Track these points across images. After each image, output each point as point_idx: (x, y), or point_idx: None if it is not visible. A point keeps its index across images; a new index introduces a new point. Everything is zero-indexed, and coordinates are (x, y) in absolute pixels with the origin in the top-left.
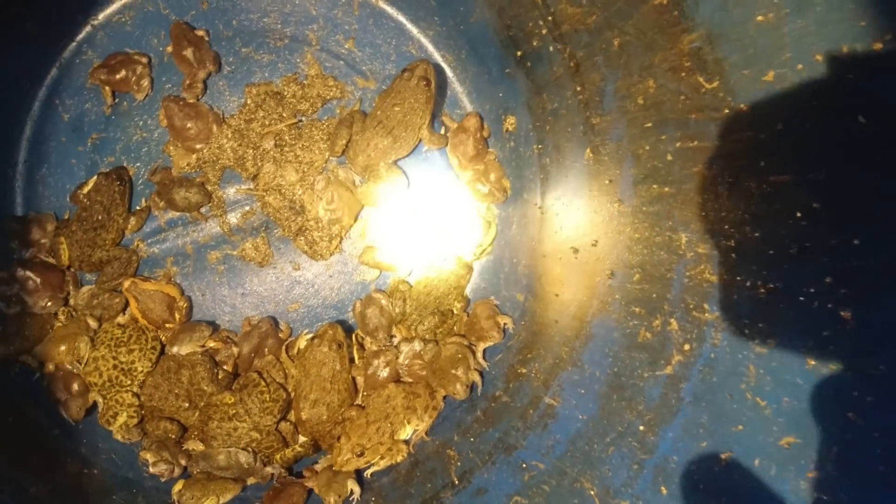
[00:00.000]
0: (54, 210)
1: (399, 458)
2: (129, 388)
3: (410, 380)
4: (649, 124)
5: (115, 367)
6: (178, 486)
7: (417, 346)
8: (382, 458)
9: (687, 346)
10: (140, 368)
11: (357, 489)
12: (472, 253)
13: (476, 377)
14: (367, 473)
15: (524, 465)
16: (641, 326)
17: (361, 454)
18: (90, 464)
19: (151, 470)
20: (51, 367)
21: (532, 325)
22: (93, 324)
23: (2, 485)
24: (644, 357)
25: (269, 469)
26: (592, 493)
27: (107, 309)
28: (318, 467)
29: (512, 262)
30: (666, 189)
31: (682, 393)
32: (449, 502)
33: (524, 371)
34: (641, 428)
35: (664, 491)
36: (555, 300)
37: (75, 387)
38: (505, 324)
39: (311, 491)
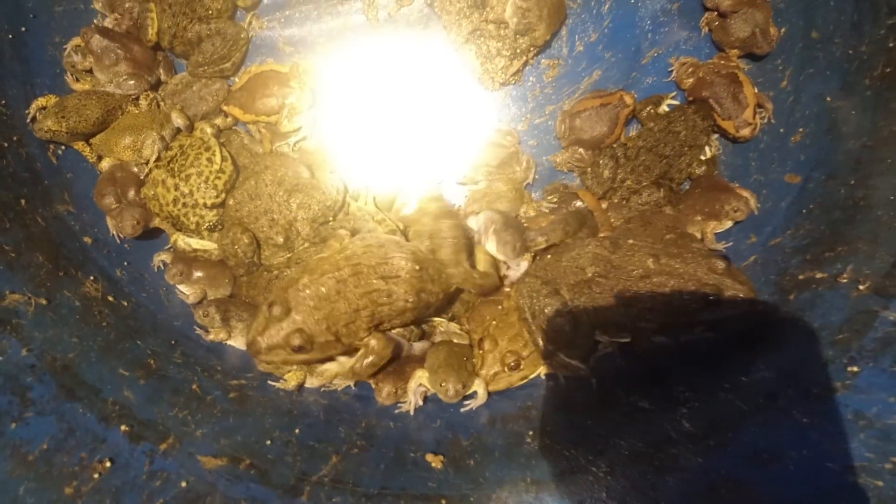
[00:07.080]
0: None
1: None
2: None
3: None
4: None
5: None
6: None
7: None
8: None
9: None
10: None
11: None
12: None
13: None
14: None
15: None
16: None
17: (516, 366)
18: (123, 293)
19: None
20: (105, 163)
21: (832, 211)
22: (179, 120)
23: None
24: None
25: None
26: None
27: (202, 100)
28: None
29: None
30: None
31: None
32: (690, 466)
33: (822, 276)
34: None
35: None
36: None
37: (131, 194)
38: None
39: None
